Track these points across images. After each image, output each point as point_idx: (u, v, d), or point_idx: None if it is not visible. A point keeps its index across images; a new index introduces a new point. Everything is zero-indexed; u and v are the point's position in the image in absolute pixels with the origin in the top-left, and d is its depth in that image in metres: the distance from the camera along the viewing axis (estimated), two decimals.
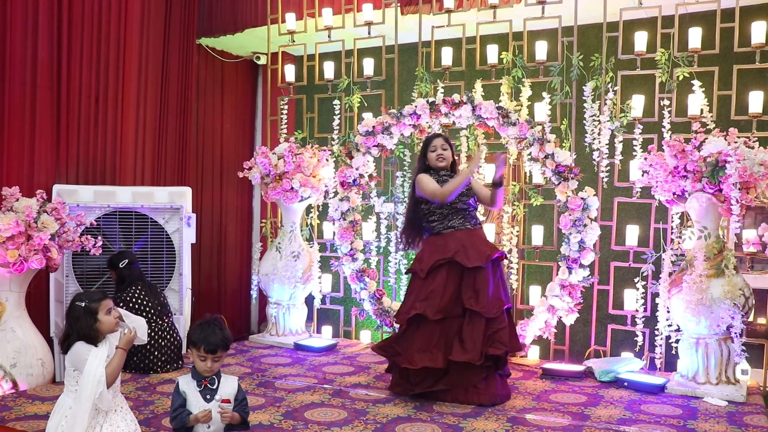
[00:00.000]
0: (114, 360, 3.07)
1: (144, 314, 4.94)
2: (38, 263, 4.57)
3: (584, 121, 5.39)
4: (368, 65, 6.24)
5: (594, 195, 5.25)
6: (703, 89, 5.04)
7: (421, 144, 4.86)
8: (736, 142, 4.51)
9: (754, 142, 4.55)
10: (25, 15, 5.36)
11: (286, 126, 6.62)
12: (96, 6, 5.85)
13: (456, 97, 5.66)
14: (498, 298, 4.41)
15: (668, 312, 4.90)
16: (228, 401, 3.06)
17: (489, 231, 5.77)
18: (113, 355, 3.08)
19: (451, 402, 4.34)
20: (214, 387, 3.04)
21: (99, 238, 4.99)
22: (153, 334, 4.96)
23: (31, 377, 4.63)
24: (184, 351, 5.17)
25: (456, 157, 4.79)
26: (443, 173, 4.66)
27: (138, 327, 3.19)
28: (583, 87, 5.37)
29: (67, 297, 5.23)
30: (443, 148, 4.66)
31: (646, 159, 4.94)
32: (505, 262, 5.65)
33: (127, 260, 5.13)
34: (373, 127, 5.96)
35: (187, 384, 3.05)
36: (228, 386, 3.10)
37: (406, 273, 4.83)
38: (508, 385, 4.63)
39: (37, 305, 5.28)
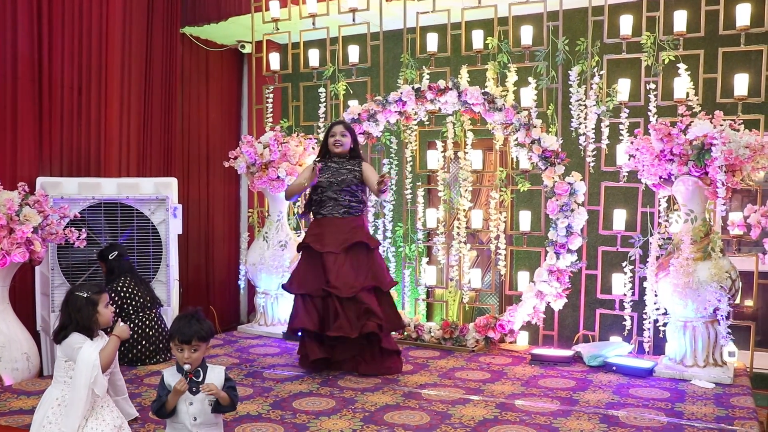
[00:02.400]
0: (108, 345, 3.12)
1: (133, 304, 4.93)
2: (21, 257, 4.53)
3: (570, 106, 5.38)
4: (353, 52, 6.20)
5: (581, 180, 5.24)
6: (689, 72, 5.03)
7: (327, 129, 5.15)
8: (721, 125, 4.50)
9: (739, 124, 4.55)
10: (3, 5, 5.29)
11: (271, 115, 6.58)
12: None
13: (441, 83, 5.64)
14: (353, 280, 4.73)
15: (656, 296, 4.91)
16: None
17: (476, 217, 5.76)
18: (108, 341, 3.13)
19: (345, 370, 4.79)
20: (199, 380, 3.01)
21: (83, 230, 4.95)
22: (141, 324, 4.94)
23: (16, 371, 4.59)
24: None
25: (355, 145, 5.05)
26: (336, 158, 4.99)
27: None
28: (569, 71, 5.36)
29: (52, 290, 5.20)
30: (342, 135, 4.98)
31: (632, 143, 4.93)
32: (492, 248, 5.67)
33: (117, 252, 5.11)
34: (359, 114, 5.93)
35: (172, 376, 3.02)
36: (214, 377, 3.07)
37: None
38: (395, 360, 4.82)
39: (22, 299, 5.25)
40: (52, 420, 3.08)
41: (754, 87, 4.99)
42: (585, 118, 5.33)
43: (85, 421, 3.05)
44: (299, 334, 4.92)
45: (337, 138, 4.96)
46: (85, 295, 3.17)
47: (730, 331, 4.58)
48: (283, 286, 5.06)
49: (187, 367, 2.93)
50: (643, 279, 5.10)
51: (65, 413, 3.05)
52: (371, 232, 6.21)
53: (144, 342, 4.94)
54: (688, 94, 5.04)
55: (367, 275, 4.78)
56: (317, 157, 5.13)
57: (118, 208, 5.48)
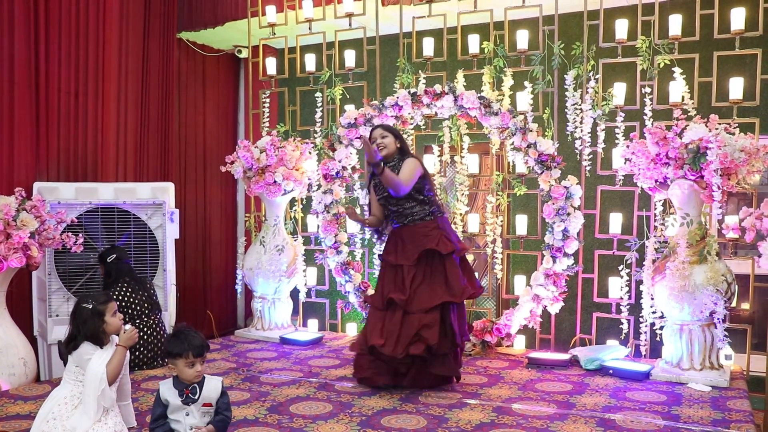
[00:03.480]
0: (114, 357, 3.10)
1: (130, 312, 4.92)
2: (18, 262, 4.52)
3: (566, 110, 5.39)
4: (350, 57, 6.21)
5: (577, 183, 5.25)
6: (684, 76, 5.05)
7: None
8: (716, 129, 4.52)
9: (734, 128, 4.57)
10: (0, 9, 5.30)
11: (268, 119, 6.58)
12: (74, 0, 5.79)
13: (438, 88, 5.64)
14: (429, 293, 4.42)
15: (652, 299, 4.92)
16: (210, 405, 3.04)
17: (473, 221, 5.77)
18: (114, 352, 3.12)
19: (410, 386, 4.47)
20: (196, 397, 3.01)
21: (80, 235, 4.95)
22: (139, 331, 4.92)
23: (13, 377, 4.59)
24: None
25: (402, 143, 4.70)
26: (390, 162, 4.58)
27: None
28: (565, 76, 5.37)
29: (49, 295, 5.20)
30: (382, 137, 4.63)
31: (628, 147, 4.94)
32: (489, 251, 5.67)
33: (115, 255, 5.08)
34: (356, 119, 5.94)
35: (168, 391, 3.03)
36: (211, 389, 3.07)
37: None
38: (449, 379, 4.56)
39: (19, 304, 5.25)
40: (57, 416, 3.09)
41: (749, 90, 5.01)
42: (581, 122, 5.35)
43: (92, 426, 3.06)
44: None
45: (378, 141, 4.60)
46: (91, 306, 3.16)
47: (727, 334, 4.59)
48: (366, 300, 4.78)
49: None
50: (639, 282, 5.10)
51: (79, 414, 3.06)
52: (367, 236, 6.23)
53: (142, 349, 4.93)
54: (683, 97, 5.06)
55: (440, 289, 4.43)
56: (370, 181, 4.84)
57: (115, 213, 5.49)
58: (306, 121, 6.63)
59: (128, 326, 3.19)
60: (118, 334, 3.20)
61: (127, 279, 5.06)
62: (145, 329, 4.97)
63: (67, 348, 3.18)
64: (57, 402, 3.13)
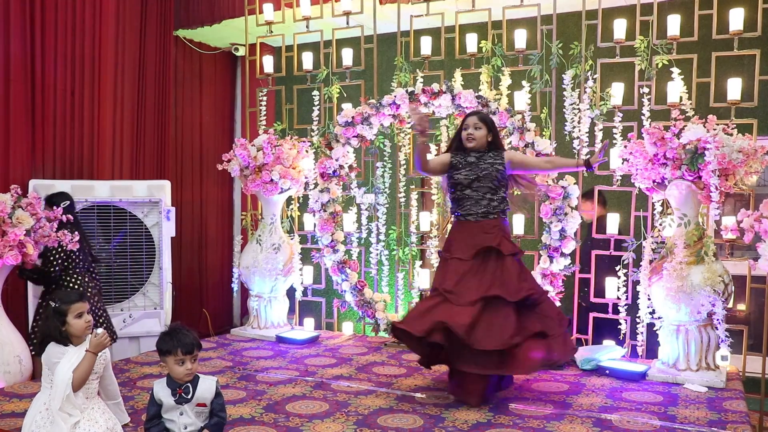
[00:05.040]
0: (82, 363, 3.01)
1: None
2: (14, 259, 4.51)
3: (564, 110, 5.38)
4: (347, 55, 6.20)
5: (574, 183, 5.24)
6: (682, 76, 5.04)
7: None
8: (714, 129, 4.52)
9: (732, 129, 4.56)
10: None
11: (265, 117, 6.56)
12: None
13: (435, 87, 5.64)
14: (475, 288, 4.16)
15: (649, 299, 4.92)
16: (204, 405, 3.02)
17: None
18: (82, 358, 3.04)
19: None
20: (189, 396, 2.99)
21: (76, 233, 4.93)
22: (74, 277, 4.98)
23: (8, 375, 4.57)
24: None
25: (495, 138, 4.41)
26: (474, 153, 4.36)
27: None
28: (563, 75, 5.36)
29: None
30: (475, 127, 4.32)
31: (626, 147, 4.94)
32: None
33: (69, 202, 5.00)
34: (353, 117, 5.92)
35: (161, 390, 3.01)
36: (205, 389, 3.05)
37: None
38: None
39: (14, 302, 5.23)
40: (41, 424, 3.06)
41: (747, 91, 5.01)
42: (579, 122, 5.34)
43: (77, 424, 3.03)
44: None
45: (470, 131, 4.31)
46: (54, 305, 3.08)
47: (728, 333, 4.59)
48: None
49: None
50: (636, 283, 5.10)
51: (52, 421, 3.03)
52: (364, 234, 6.22)
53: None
54: (681, 98, 5.05)
55: (491, 283, 4.14)
56: (448, 151, 4.51)
57: (111, 211, 5.47)
58: (303, 120, 6.62)
59: (100, 330, 3.06)
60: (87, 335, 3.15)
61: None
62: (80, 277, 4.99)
63: (36, 349, 3.13)
64: (38, 410, 3.09)
